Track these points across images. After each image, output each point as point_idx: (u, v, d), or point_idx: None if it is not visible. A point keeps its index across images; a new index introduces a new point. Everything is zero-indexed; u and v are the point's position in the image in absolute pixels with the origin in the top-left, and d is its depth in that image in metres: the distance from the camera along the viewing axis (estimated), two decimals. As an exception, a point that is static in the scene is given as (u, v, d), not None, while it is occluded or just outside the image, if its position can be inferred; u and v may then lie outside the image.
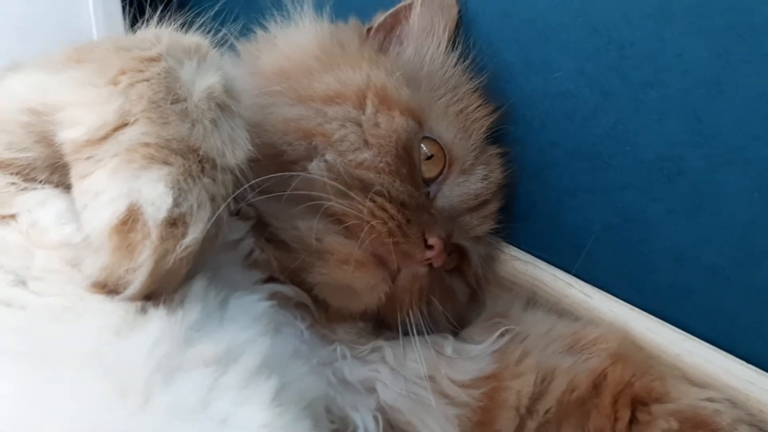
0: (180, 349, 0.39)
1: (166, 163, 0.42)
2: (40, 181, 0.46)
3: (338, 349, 0.58)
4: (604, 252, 0.65)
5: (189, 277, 0.45)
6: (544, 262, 0.70)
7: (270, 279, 0.58)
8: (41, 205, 0.45)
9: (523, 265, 0.72)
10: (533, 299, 0.69)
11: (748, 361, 0.57)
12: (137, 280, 0.40)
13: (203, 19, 0.56)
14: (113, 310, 0.39)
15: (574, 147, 0.65)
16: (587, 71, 0.61)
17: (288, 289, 0.59)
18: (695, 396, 0.56)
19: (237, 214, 0.58)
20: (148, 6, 0.56)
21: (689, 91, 0.54)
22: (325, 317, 0.60)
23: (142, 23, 0.54)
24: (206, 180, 0.44)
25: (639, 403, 0.57)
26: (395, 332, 0.60)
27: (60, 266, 0.41)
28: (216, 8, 0.60)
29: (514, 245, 0.73)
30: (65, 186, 0.45)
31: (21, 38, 0.53)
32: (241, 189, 0.47)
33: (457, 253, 0.68)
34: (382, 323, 0.62)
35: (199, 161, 0.43)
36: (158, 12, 0.55)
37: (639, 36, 0.56)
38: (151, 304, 0.41)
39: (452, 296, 0.67)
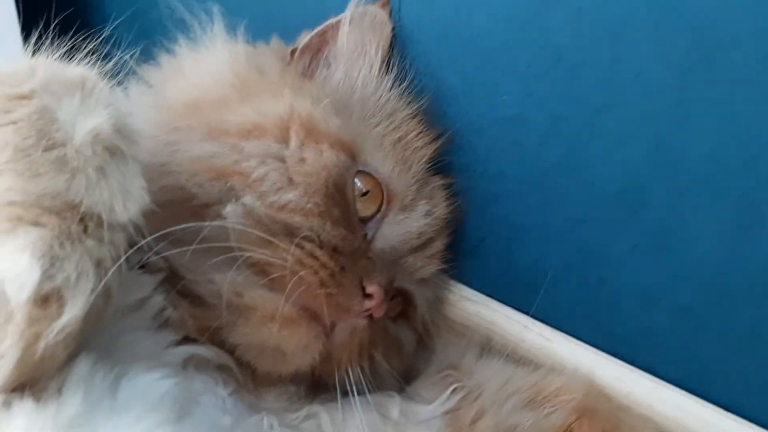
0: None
1: (36, 224, 0.34)
2: None
3: (265, 419, 0.50)
4: (564, 291, 0.59)
5: (72, 356, 0.37)
6: (498, 302, 0.64)
7: (185, 339, 0.51)
8: None
9: (475, 307, 0.65)
10: (488, 345, 0.63)
11: (726, 409, 0.51)
12: (1, 372, 0.32)
13: (105, 41, 0.49)
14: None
15: (525, 177, 0.58)
16: (535, 94, 0.55)
17: (207, 351, 0.51)
18: (668, 452, 0.50)
19: (143, 267, 0.51)
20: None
21: (649, 114, 0.49)
22: (251, 382, 0.53)
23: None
24: (90, 242, 0.36)
25: (608, 461, 0.51)
26: (333, 394, 0.53)
27: None
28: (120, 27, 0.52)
29: (464, 285, 0.67)
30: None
31: None
32: (135, 248, 0.40)
33: (401, 298, 0.61)
34: (318, 384, 0.55)
35: (81, 219, 0.36)
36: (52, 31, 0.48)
37: (591, 54, 0.51)
38: (18, 396, 0.33)
39: (398, 347, 0.60)
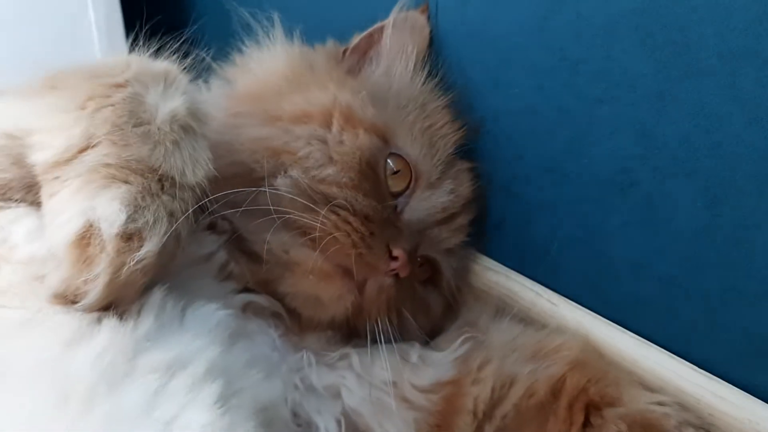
0: (127, 358, 0.42)
1: (125, 182, 0.45)
2: (16, 200, 0.50)
3: (305, 356, 0.61)
4: (570, 262, 0.67)
5: (148, 288, 0.48)
6: (516, 273, 0.73)
7: (245, 290, 0.62)
8: (13, 223, 0.48)
9: (496, 276, 0.74)
10: (503, 308, 0.71)
11: (700, 366, 0.58)
12: (94, 291, 0.43)
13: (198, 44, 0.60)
14: (68, 322, 0.42)
15: (537, 161, 0.67)
16: (545, 88, 0.64)
17: (262, 299, 0.62)
18: (646, 400, 0.57)
19: (212, 228, 0.62)
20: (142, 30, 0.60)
21: (636, 105, 0.56)
22: (297, 326, 0.63)
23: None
24: (165, 197, 0.47)
25: (593, 408, 0.58)
26: (364, 341, 0.62)
27: (24, 280, 0.45)
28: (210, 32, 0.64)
29: (487, 256, 0.76)
30: (38, 204, 0.48)
31: (29, 66, 0.58)
32: (200, 204, 0.50)
33: (429, 266, 0.70)
34: (353, 332, 0.64)
35: (159, 180, 0.47)
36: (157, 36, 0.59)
37: (589, 53, 0.59)
38: (107, 315, 0.44)
39: (425, 307, 0.69)
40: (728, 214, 0.53)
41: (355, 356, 0.62)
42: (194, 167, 0.50)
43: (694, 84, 0.52)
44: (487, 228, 0.74)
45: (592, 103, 0.60)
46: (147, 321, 0.46)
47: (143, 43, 0.58)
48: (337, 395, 0.60)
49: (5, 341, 0.41)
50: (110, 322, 0.43)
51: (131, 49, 0.59)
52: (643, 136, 0.57)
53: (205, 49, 0.67)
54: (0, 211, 0.49)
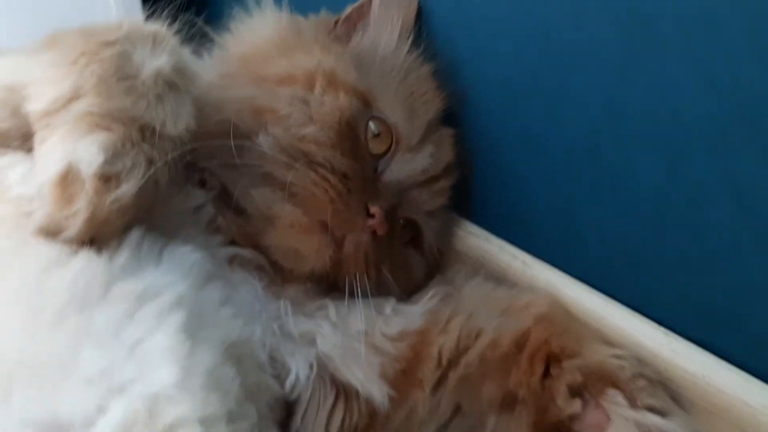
0: (101, 284, 0.46)
1: (107, 129, 0.49)
2: (13, 148, 0.54)
3: (282, 305, 0.64)
4: (543, 225, 0.70)
5: (127, 230, 0.53)
6: (494, 236, 0.76)
7: (232, 243, 0.65)
8: (9, 167, 0.52)
9: (476, 239, 0.77)
10: (480, 269, 0.74)
11: (659, 323, 0.61)
12: (74, 226, 0.47)
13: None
14: (48, 251, 0.46)
15: (515, 130, 0.70)
16: (521, 59, 0.66)
17: (247, 252, 0.65)
18: (604, 353, 0.60)
19: (202, 184, 0.66)
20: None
21: (602, 77, 0.59)
22: (280, 278, 0.66)
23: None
24: (145, 146, 0.50)
25: (553, 359, 0.61)
26: (343, 294, 0.66)
27: (13, 216, 0.49)
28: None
29: (468, 221, 0.79)
30: (32, 151, 0.53)
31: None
32: (181, 155, 0.54)
33: (410, 228, 0.73)
34: (333, 285, 0.68)
35: (140, 129, 0.50)
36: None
37: (561, 24, 0.61)
38: (84, 248, 0.48)
39: (405, 266, 0.73)
40: (684, 175, 0.55)
41: (332, 307, 0.66)
42: (176, 120, 0.53)
43: (655, 54, 0.54)
44: (472, 194, 0.77)
45: (564, 73, 0.62)
46: (123, 255, 0.49)
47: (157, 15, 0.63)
48: (312, 342, 0.64)
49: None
50: (87, 254, 0.47)
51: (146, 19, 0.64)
52: (610, 105, 0.59)
53: (200, 17, 0.71)
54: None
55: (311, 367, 0.62)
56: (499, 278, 0.73)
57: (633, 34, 0.55)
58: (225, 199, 0.66)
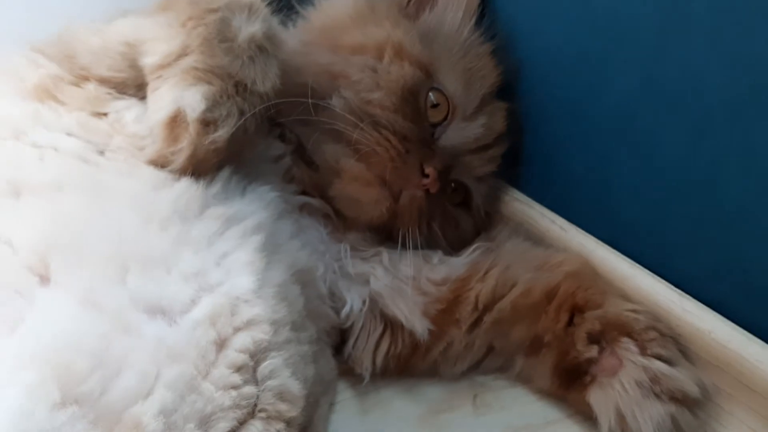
0: (198, 205, 0.56)
1: (208, 82, 0.59)
2: (129, 95, 0.65)
3: (342, 247, 0.74)
4: (580, 193, 0.77)
5: (219, 168, 0.62)
6: (537, 203, 0.83)
7: (304, 193, 0.75)
8: (126, 109, 0.63)
9: (520, 205, 0.85)
10: (521, 231, 0.82)
11: (675, 285, 0.67)
12: (178, 160, 0.58)
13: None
14: (157, 174, 0.57)
15: (561, 103, 0.77)
16: (570, 37, 0.73)
17: (316, 201, 0.75)
18: (622, 307, 0.67)
19: (282, 138, 0.76)
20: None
21: (640, 53, 0.65)
22: (342, 225, 0.76)
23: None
24: (238, 99, 0.60)
25: (577, 310, 0.69)
26: (396, 243, 0.75)
27: (128, 147, 0.60)
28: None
29: (516, 188, 0.87)
30: (144, 99, 0.63)
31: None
32: (267, 107, 0.63)
33: (462, 190, 0.81)
34: (389, 235, 0.77)
35: (235, 85, 0.60)
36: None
37: (606, 4, 0.68)
38: (186, 177, 0.59)
39: (455, 224, 0.81)
40: (707, 146, 0.61)
41: (385, 254, 0.75)
42: (264, 79, 0.62)
43: (685, 35, 0.60)
44: (521, 162, 0.85)
45: (606, 51, 0.69)
46: (216, 186, 0.60)
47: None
48: (366, 281, 0.73)
49: (115, 181, 0.56)
50: (187, 180, 0.58)
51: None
52: (647, 79, 0.65)
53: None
54: (117, 101, 0.64)
55: (364, 302, 0.72)
56: (538, 241, 0.81)
57: (666, 14, 0.62)
58: (300, 154, 0.76)
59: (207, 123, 0.58)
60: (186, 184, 0.57)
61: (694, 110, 0.62)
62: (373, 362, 0.72)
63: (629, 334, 0.65)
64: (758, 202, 0.58)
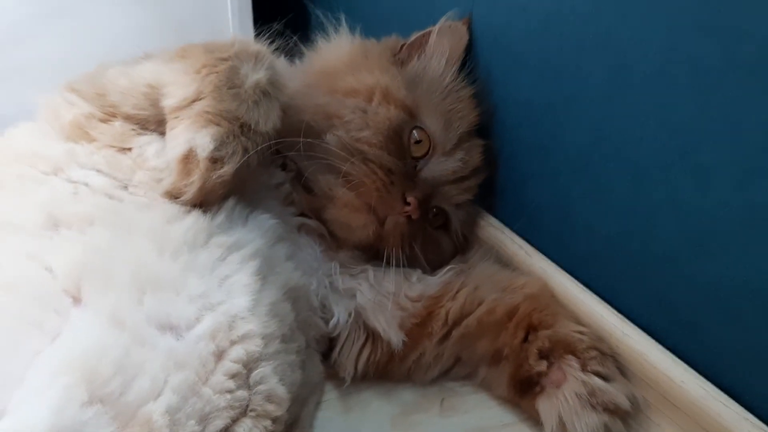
0: (204, 235, 0.66)
1: (217, 124, 0.68)
2: (151, 130, 0.75)
3: (334, 266, 0.84)
4: (544, 223, 0.87)
5: (226, 198, 0.72)
6: (508, 229, 0.93)
7: (302, 214, 0.85)
8: (148, 144, 0.73)
9: (494, 230, 0.95)
10: (493, 254, 0.92)
11: (618, 310, 0.77)
12: (190, 191, 0.67)
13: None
14: (170, 208, 0.67)
15: (530, 142, 0.87)
16: (537, 86, 0.83)
17: (312, 222, 0.85)
18: (570, 329, 0.77)
19: (283, 167, 0.86)
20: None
21: (591, 103, 0.75)
22: (334, 245, 0.86)
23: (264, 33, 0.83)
24: (243, 138, 0.69)
25: (532, 329, 0.79)
26: (381, 262, 0.85)
27: (148, 181, 0.70)
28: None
29: (491, 215, 0.97)
30: (163, 134, 0.72)
31: (177, 37, 0.82)
32: (269, 145, 0.73)
33: (442, 215, 0.91)
34: (375, 255, 0.86)
35: (241, 126, 0.69)
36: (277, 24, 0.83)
37: (567, 68, 0.77)
38: (195, 209, 0.69)
39: (435, 246, 0.91)
40: (643, 195, 0.70)
41: (371, 271, 0.85)
42: (266, 120, 0.72)
43: (626, 98, 0.70)
44: (493, 191, 0.95)
45: (565, 99, 0.79)
46: (220, 216, 0.69)
47: (264, 28, 0.83)
48: (352, 296, 0.83)
49: (136, 214, 0.66)
50: (197, 213, 0.68)
51: (256, 32, 0.85)
52: (597, 132, 0.75)
53: (302, 38, 0.91)
54: (139, 137, 0.74)
55: (350, 314, 0.82)
56: (507, 264, 0.91)
57: (612, 80, 0.71)
58: (299, 180, 0.85)
59: (215, 160, 0.67)
60: (194, 218, 0.67)
61: (633, 164, 0.71)
62: (356, 367, 0.83)
63: (573, 353, 0.75)
64: (682, 249, 0.68)
